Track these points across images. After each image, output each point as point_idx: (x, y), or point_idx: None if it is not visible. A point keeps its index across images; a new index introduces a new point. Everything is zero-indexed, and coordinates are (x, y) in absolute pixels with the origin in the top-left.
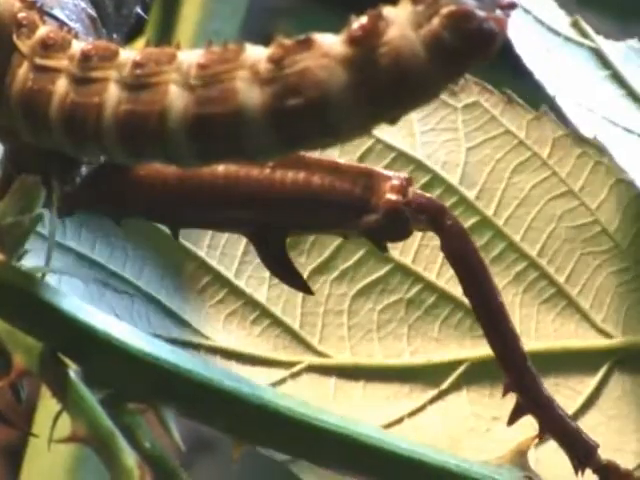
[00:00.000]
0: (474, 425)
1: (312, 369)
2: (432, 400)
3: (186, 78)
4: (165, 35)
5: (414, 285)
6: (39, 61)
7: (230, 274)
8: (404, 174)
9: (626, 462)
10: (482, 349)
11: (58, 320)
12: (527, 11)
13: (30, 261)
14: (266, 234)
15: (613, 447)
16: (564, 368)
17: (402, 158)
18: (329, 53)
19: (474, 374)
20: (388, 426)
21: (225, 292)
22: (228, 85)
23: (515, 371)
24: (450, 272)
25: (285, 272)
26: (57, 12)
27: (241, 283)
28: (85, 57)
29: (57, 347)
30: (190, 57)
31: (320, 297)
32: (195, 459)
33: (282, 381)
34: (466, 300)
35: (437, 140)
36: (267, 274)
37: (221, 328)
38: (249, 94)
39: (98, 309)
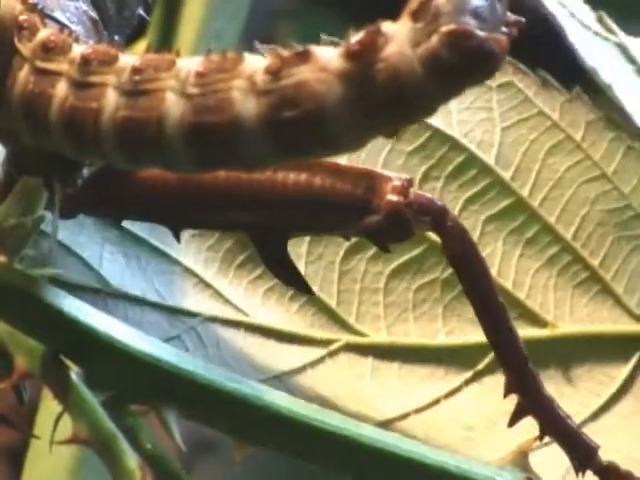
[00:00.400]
0: (509, 408)
1: (349, 348)
2: (468, 382)
3: (184, 86)
4: (167, 36)
5: (449, 266)
6: (40, 64)
7: None
8: (405, 175)
9: None
10: (518, 331)
11: (60, 322)
12: (563, 5)
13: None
14: (267, 235)
15: None
16: (598, 353)
17: (438, 136)
18: (326, 67)
19: None
20: (425, 408)
21: (263, 268)
22: (225, 95)
23: (516, 372)
24: (485, 253)
25: (286, 273)
26: (58, 15)
27: None
28: (85, 61)
29: (59, 349)
30: (189, 65)
31: (356, 274)
32: (196, 460)
33: (321, 360)
34: (503, 282)
35: (472, 119)
36: (304, 249)
37: (259, 304)
38: (245, 104)
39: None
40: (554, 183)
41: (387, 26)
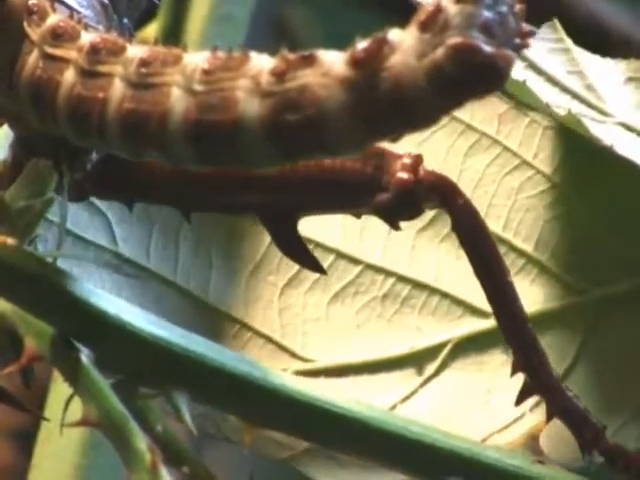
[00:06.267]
0: (469, 402)
1: (299, 374)
2: (422, 384)
3: (189, 82)
4: (177, 20)
5: (386, 280)
6: (49, 50)
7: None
8: (415, 152)
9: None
10: (463, 328)
11: (70, 304)
12: None
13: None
14: (278, 216)
15: (600, 403)
16: (547, 332)
17: None
18: (330, 72)
19: (460, 353)
20: None
21: None
22: (229, 94)
23: (523, 351)
24: (420, 262)
25: (297, 253)
26: None
27: (218, 304)
28: (93, 50)
29: (69, 331)
30: (195, 60)
31: (296, 308)
32: (207, 443)
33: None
34: (440, 285)
35: None
36: (241, 294)
37: None
38: (248, 105)
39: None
40: (476, 183)
41: (394, 34)
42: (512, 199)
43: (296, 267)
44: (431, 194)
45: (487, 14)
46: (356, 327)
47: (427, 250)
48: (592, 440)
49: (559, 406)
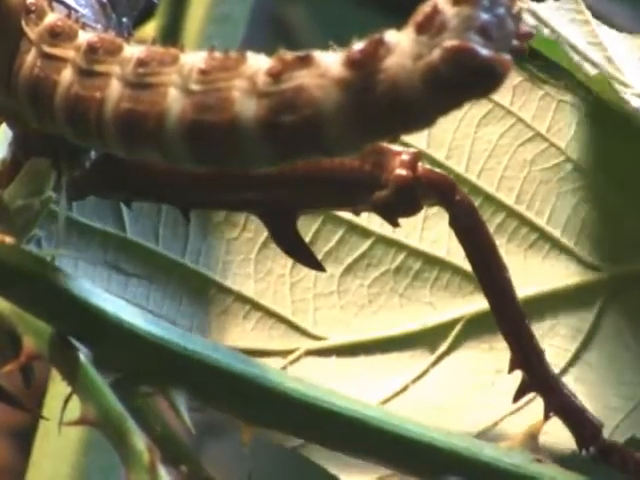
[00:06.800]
0: (479, 381)
1: (310, 353)
2: (434, 363)
3: (186, 82)
4: (175, 19)
5: (398, 254)
6: (46, 49)
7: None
8: (413, 149)
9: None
10: (475, 305)
11: (68, 303)
12: None
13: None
14: (277, 214)
15: (613, 382)
16: (559, 309)
17: None
18: (326, 73)
19: (471, 330)
20: (394, 396)
21: (212, 292)
22: (226, 94)
23: (521, 349)
24: (432, 235)
25: (297, 251)
26: None
27: (227, 282)
28: (91, 49)
29: (67, 330)
30: (192, 60)
31: (308, 282)
32: (205, 443)
33: (282, 370)
34: (452, 259)
35: None
36: (252, 268)
37: (213, 328)
38: (245, 105)
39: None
40: (489, 153)
41: (390, 36)
42: (525, 171)
43: (308, 236)
44: (429, 191)
45: (485, 16)
46: (368, 302)
47: (438, 223)
48: (590, 437)
49: (557, 404)
